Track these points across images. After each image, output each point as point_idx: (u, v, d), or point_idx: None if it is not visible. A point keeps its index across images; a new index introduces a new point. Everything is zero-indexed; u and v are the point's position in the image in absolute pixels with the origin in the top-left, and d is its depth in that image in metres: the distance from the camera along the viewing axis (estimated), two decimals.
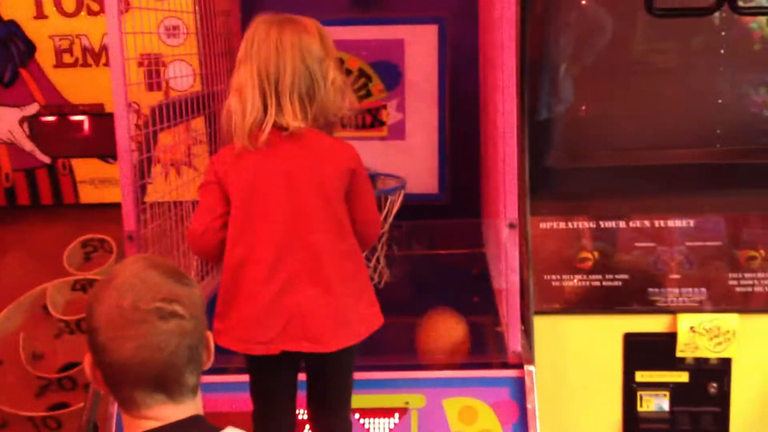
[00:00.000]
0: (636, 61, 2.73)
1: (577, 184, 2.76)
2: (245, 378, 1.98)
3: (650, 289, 2.67)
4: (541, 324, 2.60)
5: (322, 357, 1.87)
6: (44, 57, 3.43)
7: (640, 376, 2.69)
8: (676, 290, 2.66)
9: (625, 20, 2.62)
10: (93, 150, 3.49)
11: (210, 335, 1.40)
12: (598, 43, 2.68)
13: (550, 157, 2.73)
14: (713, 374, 2.67)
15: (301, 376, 1.98)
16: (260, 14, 1.91)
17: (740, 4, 1.98)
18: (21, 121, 3.50)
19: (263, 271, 1.84)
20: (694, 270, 2.66)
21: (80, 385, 3.22)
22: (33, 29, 3.41)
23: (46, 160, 3.55)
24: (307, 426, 2.08)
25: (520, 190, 2.60)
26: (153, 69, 2.94)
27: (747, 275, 2.64)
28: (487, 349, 2.45)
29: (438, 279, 3.18)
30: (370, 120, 3.23)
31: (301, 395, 2.00)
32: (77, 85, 3.44)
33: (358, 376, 2.06)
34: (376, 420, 2.20)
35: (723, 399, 2.66)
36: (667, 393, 2.69)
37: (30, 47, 3.42)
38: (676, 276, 2.67)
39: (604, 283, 2.69)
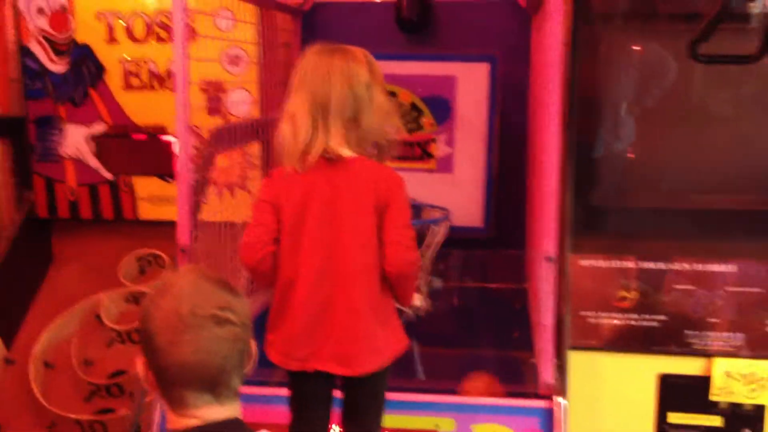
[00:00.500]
0: (685, 106, 2.73)
1: (620, 223, 2.77)
2: (284, 391, 2.07)
3: (687, 332, 2.67)
4: (578, 360, 2.62)
5: (357, 378, 1.95)
6: (113, 79, 3.61)
7: (673, 418, 2.68)
8: (714, 334, 2.65)
9: (674, 65, 2.66)
10: (153, 169, 3.64)
11: (253, 343, 1.46)
12: (647, 86, 2.72)
13: (594, 195, 2.74)
14: (747, 420, 2.64)
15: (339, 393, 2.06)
16: (313, 44, 2.02)
17: None
18: (88, 139, 3.67)
19: (305, 292, 1.93)
20: (732, 315, 2.64)
21: (127, 393, 3.33)
22: (104, 53, 3.59)
23: (109, 176, 3.70)
24: None
25: (561, 226, 2.65)
26: (214, 95, 3.08)
27: None
28: (521, 379, 2.49)
29: (479, 312, 3.23)
30: (420, 152, 3.30)
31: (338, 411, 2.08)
32: (142, 108, 3.60)
33: (392, 396, 2.13)
34: None
35: None
36: None
37: (100, 70, 3.60)
38: (714, 320, 2.66)
39: (642, 323, 2.70)
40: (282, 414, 2.06)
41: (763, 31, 1.72)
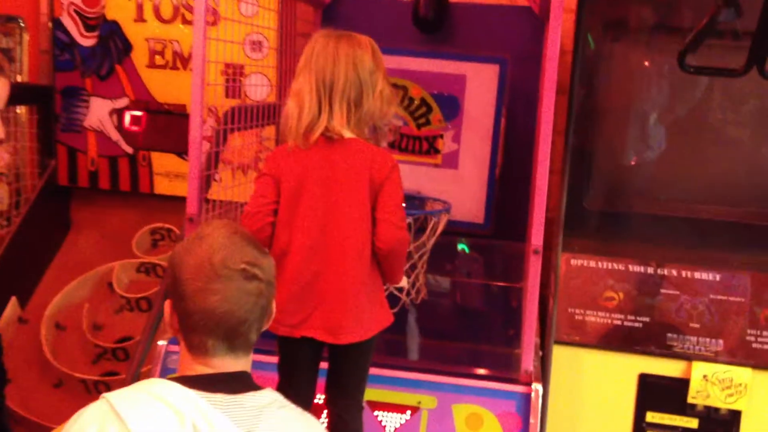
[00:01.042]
0: (678, 118, 2.82)
1: (611, 226, 2.87)
2: (274, 359, 2.19)
3: (669, 335, 2.76)
4: (562, 354, 2.73)
5: (342, 347, 2.07)
6: (139, 57, 3.71)
7: (651, 417, 2.77)
8: (694, 338, 2.74)
9: (667, 77, 2.75)
10: (171, 146, 3.74)
11: (274, 302, 1.55)
12: (643, 97, 2.81)
13: (587, 198, 2.85)
14: (722, 424, 2.72)
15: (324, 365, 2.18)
16: (320, 29, 2.14)
17: None
18: (111, 113, 3.78)
19: (298, 262, 2.05)
20: (713, 321, 2.73)
21: (132, 357, 3.44)
22: (132, 31, 3.69)
23: (129, 150, 3.81)
24: (325, 411, 2.26)
25: (555, 225, 2.76)
26: (234, 77, 3.19)
27: (765, 333, 2.70)
28: (505, 368, 2.55)
29: (474, 308, 3.32)
30: (427, 147, 3.39)
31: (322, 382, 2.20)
32: (165, 86, 3.70)
33: (378, 372, 2.26)
34: (390, 414, 2.37)
35: None
36: None
37: (127, 46, 3.71)
38: (695, 325, 2.74)
39: (626, 323, 2.79)
40: (271, 380, 2.17)
41: (750, 47, 1.81)
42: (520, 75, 3.29)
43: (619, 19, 2.77)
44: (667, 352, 2.76)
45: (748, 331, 2.73)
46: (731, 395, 2.71)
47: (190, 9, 3.57)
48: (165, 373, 2.40)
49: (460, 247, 3.44)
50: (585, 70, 2.73)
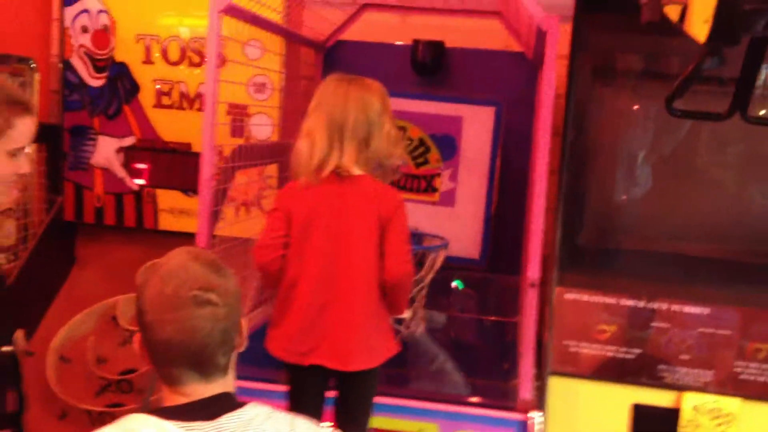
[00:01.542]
0: (667, 159, 2.92)
1: (605, 262, 2.97)
2: (285, 388, 2.29)
3: (660, 366, 2.83)
4: (558, 385, 2.81)
5: (350, 375, 2.17)
6: (146, 97, 3.79)
7: None
8: (684, 370, 2.81)
9: (655, 120, 2.86)
10: (176, 183, 3.82)
11: (245, 322, 1.51)
12: (633, 139, 2.92)
13: (581, 235, 2.94)
14: None
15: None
16: (332, 73, 2.26)
17: (750, 114, 2.19)
18: (118, 151, 3.86)
19: (308, 293, 2.15)
20: (703, 353, 2.81)
21: (136, 389, 3.50)
22: (140, 72, 3.78)
23: (135, 187, 3.89)
24: None
25: (549, 261, 2.86)
26: (238, 117, 3.30)
27: (752, 365, 2.78)
28: (503, 397, 2.64)
29: (469, 339, 3.41)
30: (425, 185, 3.50)
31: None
32: (170, 125, 3.79)
33: (382, 400, 2.34)
34: None
35: None
36: None
37: (135, 87, 3.79)
38: (685, 356, 2.82)
39: (619, 355, 2.87)
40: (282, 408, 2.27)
41: (734, 92, 1.94)
42: (514, 117, 3.40)
43: (609, 66, 2.89)
44: (658, 383, 2.84)
45: (736, 363, 2.80)
46: (720, 425, 2.78)
47: (196, 52, 3.68)
48: None
49: (455, 283, 3.53)
50: (577, 113, 2.84)
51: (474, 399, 2.57)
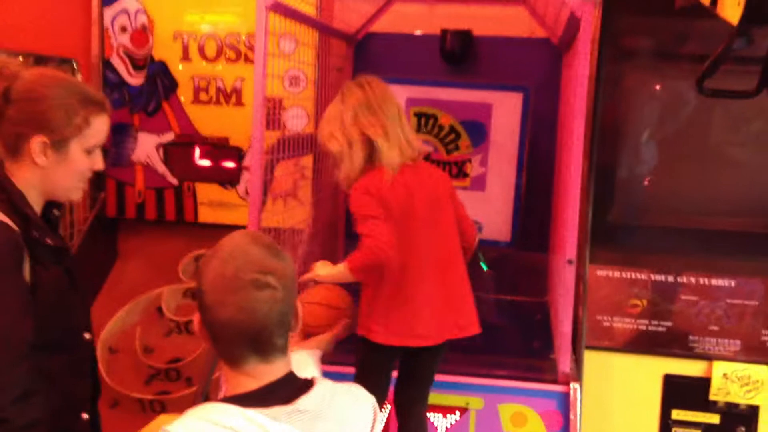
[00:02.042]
0: (695, 138, 3.01)
1: (635, 239, 3.07)
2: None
3: (690, 337, 2.96)
4: (592, 358, 2.92)
5: (428, 350, 2.28)
6: (184, 93, 3.91)
7: (676, 414, 2.96)
8: (714, 340, 2.94)
9: (683, 100, 2.96)
10: (215, 176, 3.94)
11: (299, 304, 1.52)
12: (662, 119, 3.00)
13: (612, 213, 3.04)
14: (742, 419, 2.92)
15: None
16: (353, 80, 2.40)
17: None
18: (158, 147, 3.98)
19: (420, 275, 2.26)
20: (731, 324, 2.93)
21: (183, 377, 3.62)
22: (178, 69, 3.90)
23: (174, 182, 4.00)
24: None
25: (582, 239, 2.95)
26: (274, 110, 3.38)
27: None
28: (543, 369, 2.76)
29: (499, 319, 3.49)
30: (456, 171, 3.57)
31: None
32: (208, 120, 3.90)
33: None
34: (440, 416, 2.59)
35: None
36: None
37: (173, 84, 3.91)
38: (714, 327, 2.95)
39: (650, 328, 2.99)
40: None
41: (761, 70, 2.02)
42: (542, 102, 3.46)
43: (638, 48, 2.99)
44: (689, 353, 2.96)
45: (763, 332, 2.92)
46: (749, 391, 2.90)
47: (232, 48, 3.78)
48: None
49: (481, 264, 3.63)
50: (606, 95, 2.94)
51: (516, 373, 2.68)
